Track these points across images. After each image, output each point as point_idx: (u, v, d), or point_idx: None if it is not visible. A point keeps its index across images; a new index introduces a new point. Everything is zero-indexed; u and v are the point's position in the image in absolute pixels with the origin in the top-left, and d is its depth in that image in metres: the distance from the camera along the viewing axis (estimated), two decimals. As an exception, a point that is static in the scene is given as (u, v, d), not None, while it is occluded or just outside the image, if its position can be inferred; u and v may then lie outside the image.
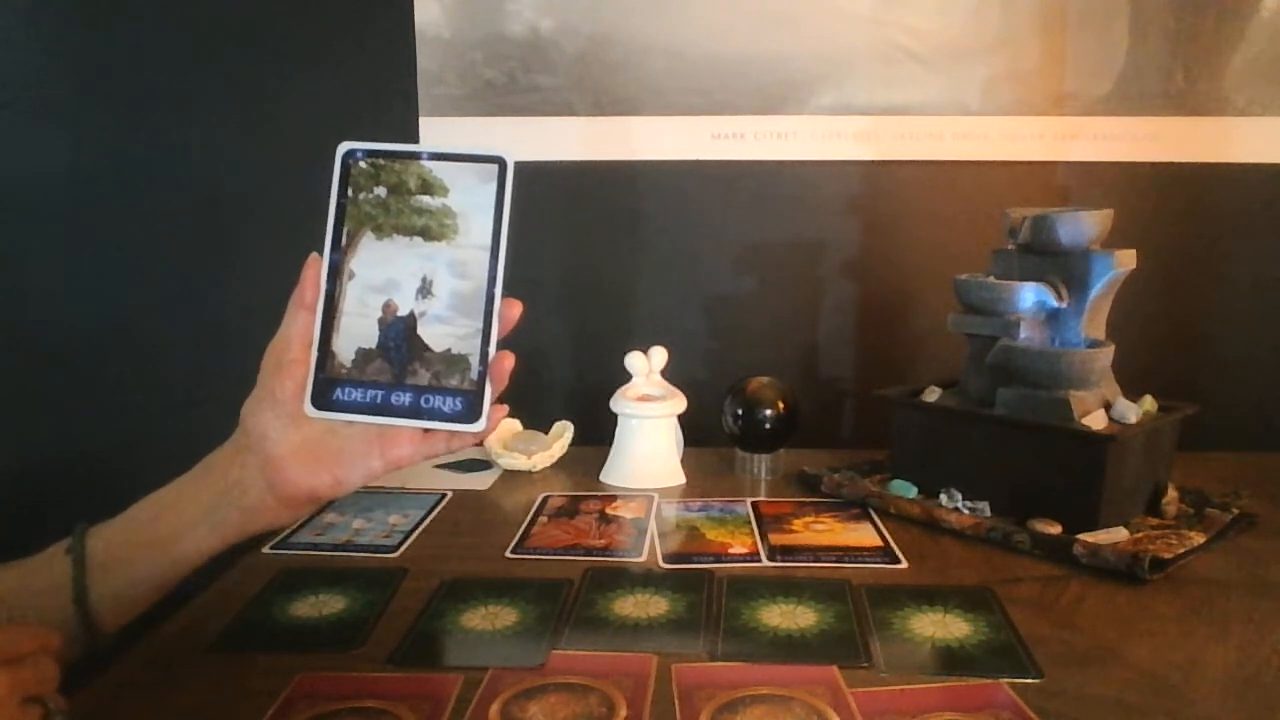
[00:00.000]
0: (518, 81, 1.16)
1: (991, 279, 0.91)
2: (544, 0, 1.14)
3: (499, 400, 0.53)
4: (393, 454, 0.54)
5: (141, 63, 1.18)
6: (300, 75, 1.17)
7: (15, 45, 1.18)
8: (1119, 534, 0.79)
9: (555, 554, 0.81)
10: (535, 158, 1.16)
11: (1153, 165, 1.15)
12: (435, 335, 0.52)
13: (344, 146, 0.53)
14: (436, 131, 1.17)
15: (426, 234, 0.52)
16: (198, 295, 1.22)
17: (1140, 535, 0.80)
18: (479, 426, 0.52)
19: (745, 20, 1.14)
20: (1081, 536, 0.78)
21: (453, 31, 1.15)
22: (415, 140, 1.17)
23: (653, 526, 0.87)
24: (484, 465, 1.06)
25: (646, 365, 1.02)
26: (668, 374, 1.03)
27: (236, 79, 1.18)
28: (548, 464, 1.05)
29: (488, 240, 0.52)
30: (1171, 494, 0.87)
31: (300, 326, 0.53)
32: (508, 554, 0.81)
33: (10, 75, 1.18)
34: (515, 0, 1.15)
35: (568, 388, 1.22)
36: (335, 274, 0.53)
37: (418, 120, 1.17)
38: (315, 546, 0.82)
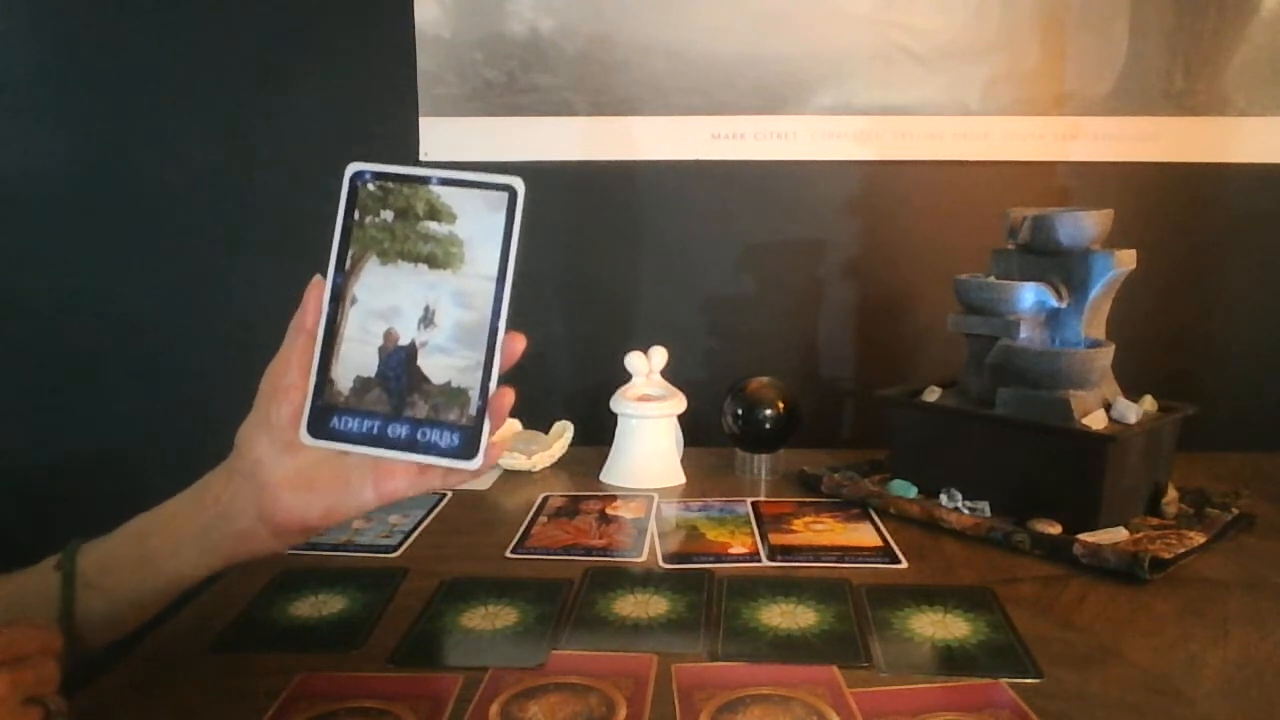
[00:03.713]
0: (518, 81, 1.16)
1: (991, 279, 0.91)
2: (544, 0, 1.14)
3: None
4: (386, 487, 0.53)
5: (141, 62, 1.18)
6: (300, 75, 1.17)
7: (15, 45, 1.18)
8: (1119, 534, 0.80)
9: (555, 554, 0.81)
10: (535, 158, 1.16)
11: (1153, 165, 1.15)
12: (436, 367, 0.51)
13: (352, 168, 0.52)
14: (436, 131, 1.17)
15: (432, 261, 0.51)
16: (199, 296, 1.22)
17: (1140, 535, 0.80)
18: (475, 464, 0.50)
19: (745, 20, 1.14)
20: (1081, 536, 0.78)
21: (453, 31, 1.15)
22: (416, 139, 1.17)
23: (653, 526, 0.87)
24: (484, 465, 1.05)
25: (646, 365, 1.02)
26: (668, 374, 1.03)
27: (236, 78, 1.17)
28: (548, 464, 1.05)
29: (494, 270, 0.50)
30: (1171, 494, 0.87)
31: (300, 351, 0.52)
32: (508, 554, 0.81)
33: (10, 75, 1.18)
34: (515, 0, 1.15)
35: (568, 388, 1.22)
36: (338, 298, 0.52)
37: (418, 120, 1.17)
38: (315, 546, 0.82)
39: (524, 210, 0.51)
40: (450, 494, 0.96)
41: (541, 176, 1.20)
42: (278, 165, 1.18)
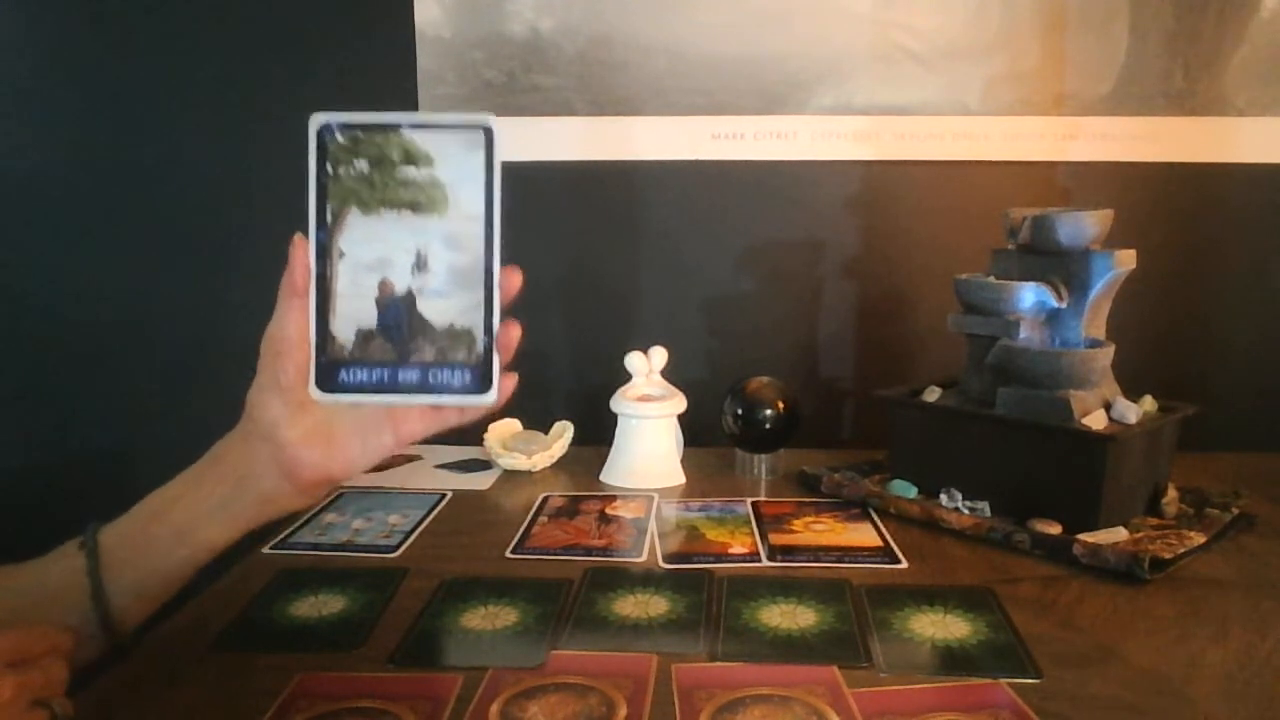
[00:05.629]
0: (518, 81, 1.16)
1: (991, 279, 0.91)
2: (544, 0, 1.14)
3: (508, 371, 0.52)
4: (404, 430, 0.54)
5: (141, 63, 1.18)
6: (300, 75, 1.17)
7: (15, 46, 1.18)
8: (1119, 534, 0.79)
9: (555, 554, 0.81)
10: (535, 158, 1.16)
11: (1153, 165, 1.14)
12: (436, 310, 0.51)
13: (318, 119, 0.51)
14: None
15: (416, 207, 0.51)
16: (199, 295, 1.22)
17: (1140, 535, 0.80)
18: (490, 398, 0.51)
19: (745, 20, 1.14)
20: (1081, 536, 0.78)
21: (453, 31, 1.15)
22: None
23: (653, 526, 0.87)
24: (484, 465, 1.06)
25: (646, 365, 1.02)
26: (668, 374, 1.03)
27: (236, 78, 1.18)
28: (548, 464, 1.05)
29: (480, 210, 0.50)
30: (1171, 494, 0.87)
31: (295, 311, 0.52)
32: (508, 554, 0.81)
33: (10, 76, 1.18)
34: (515, 0, 1.15)
35: (568, 388, 1.22)
36: (324, 254, 0.51)
37: (418, 120, 1.17)
38: (315, 546, 0.82)
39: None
40: (450, 494, 0.96)
41: (541, 176, 1.21)
42: (277, 164, 1.17)
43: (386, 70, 1.16)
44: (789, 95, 1.15)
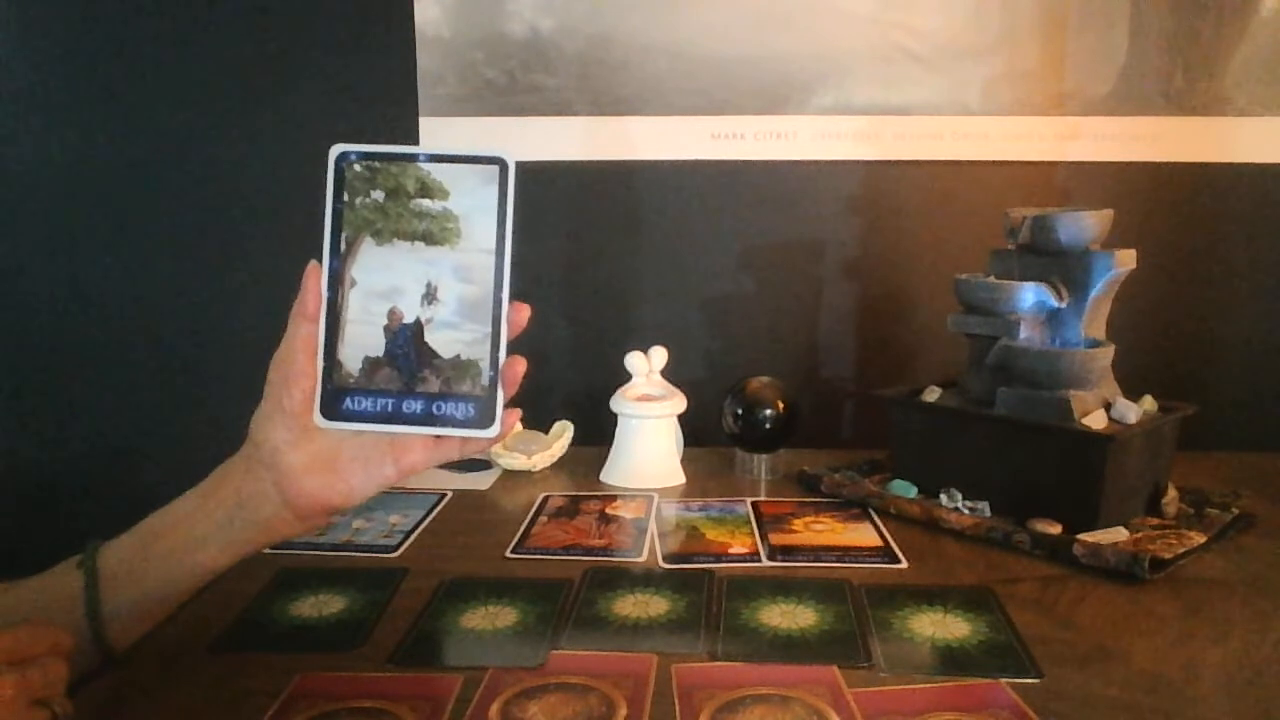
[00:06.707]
0: (518, 81, 1.16)
1: (991, 279, 0.91)
2: (544, 0, 1.14)
3: (510, 404, 0.53)
4: (406, 461, 0.54)
5: (142, 63, 1.18)
6: (300, 75, 1.17)
7: (16, 45, 1.18)
8: (1119, 534, 0.80)
9: (555, 554, 0.81)
10: (535, 158, 1.16)
11: (1153, 165, 1.15)
12: (443, 341, 0.52)
13: (337, 149, 0.52)
14: (437, 131, 1.17)
15: (429, 239, 0.52)
16: (200, 295, 1.22)
17: (1140, 535, 0.80)
18: (493, 432, 0.52)
19: (745, 20, 1.14)
20: (1081, 536, 0.78)
21: (453, 31, 1.15)
22: (416, 139, 1.17)
23: (653, 526, 0.87)
24: (484, 465, 1.06)
25: (646, 365, 1.02)
26: (668, 374, 1.03)
27: (236, 78, 1.18)
28: (548, 464, 1.05)
29: (492, 243, 0.51)
30: (1171, 494, 0.87)
31: (304, 337, 0.53)
32: (508, 554, 0.81)
33: (11, 75, 1.18)
34: (515, 0, 1.15)
35: (568, 388, 1.22)
36: (336, 282, 0.52)
37: (418, 120, 1.17)
38: (315, 546, 0.82)
39: (516, 182, 0.51)
40: (450, 494, 0.96)
41: (541, 176, 1.21)
42: (278, 165, 1.18)
43: (386, 70, 1.16)
44: (789, 95, 1.15)
